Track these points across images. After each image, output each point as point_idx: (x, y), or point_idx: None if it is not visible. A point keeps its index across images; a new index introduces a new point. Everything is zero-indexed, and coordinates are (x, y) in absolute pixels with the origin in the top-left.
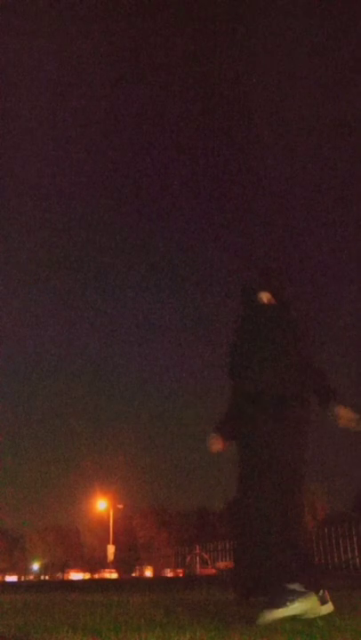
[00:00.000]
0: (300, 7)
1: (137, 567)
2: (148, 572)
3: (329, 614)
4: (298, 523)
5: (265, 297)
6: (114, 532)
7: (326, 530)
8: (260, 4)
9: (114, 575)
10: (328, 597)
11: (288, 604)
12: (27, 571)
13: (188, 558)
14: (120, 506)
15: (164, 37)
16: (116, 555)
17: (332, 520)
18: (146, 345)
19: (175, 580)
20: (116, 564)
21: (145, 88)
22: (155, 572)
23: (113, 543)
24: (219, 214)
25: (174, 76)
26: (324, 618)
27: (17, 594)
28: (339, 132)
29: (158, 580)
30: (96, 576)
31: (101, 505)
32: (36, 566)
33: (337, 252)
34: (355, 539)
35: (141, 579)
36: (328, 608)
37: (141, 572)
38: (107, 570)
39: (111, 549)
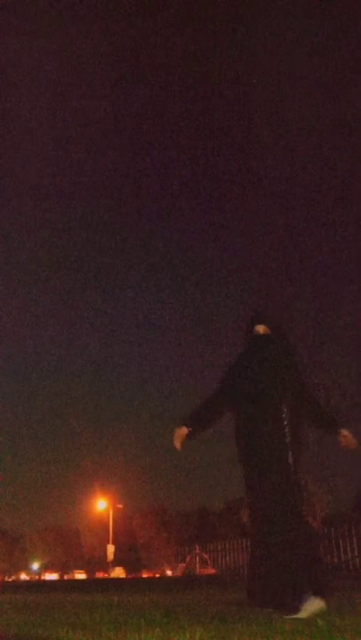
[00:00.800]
0: (300, 7)
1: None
2: (121, 574)
3: (329, 614)
4: (299, 523)
5: (261, 328)
6: (114, 532)
7: (326, 530)
8: (260, 4)
9: (82, 576)
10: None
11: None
12: (27, 571)
13: (188, 558)
14: (120, 506)
15: (164, 37)
16: (116, 555)
17: (332, 520)
18: (146, 345)
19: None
20: (84, 566)
21: (145, 88)
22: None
23: (113, 543)
24: (219, 214)
25: (174, 76)
26: (324, 618)
27: (17, 594)
28: (339, 132)
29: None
30: (65, 577)
31: (101, 505)
32: (36, 566)
33: (337, 252)
34: (355, 539)
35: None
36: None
37: (111, 573)
38: (76, 571)
39: (111, 549)
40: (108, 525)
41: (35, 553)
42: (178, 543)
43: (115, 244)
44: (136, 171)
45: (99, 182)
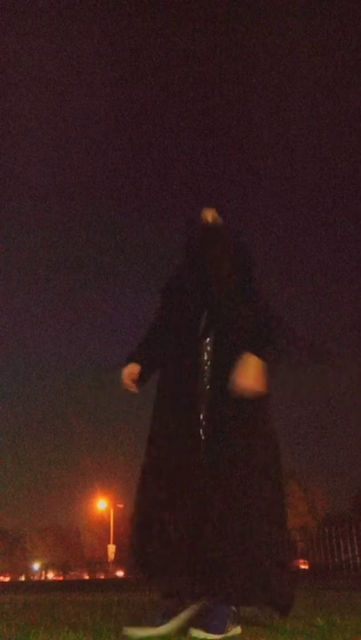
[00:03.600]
0: (301, 7)
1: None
2: (50, 575)
3: (329, 614)
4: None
5: (209, 214)
6: (114, 532)
7: (326, 530)
8: (260, 4)
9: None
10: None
11: (229, 629)
12: (27, 571)
13: None
14: (120, 505)
15: (164, 37)
16: (116, 554)
17: (332, 520)
18: None
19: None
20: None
21: (145, 88)
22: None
23: (114, 543)
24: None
25: (174, 76)
26: (324, 617)
27: (17, 594)
28: (339, 131)
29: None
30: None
31: (102, 505)
32: (36, 566)
33: (337, 253)
34: (355, 539)
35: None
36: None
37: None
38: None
39: (112, 549)
40: (109, 525)
41: (35, 553)
42: None
43: (115, 243)
44: (136, 170)
45: (99, 182)
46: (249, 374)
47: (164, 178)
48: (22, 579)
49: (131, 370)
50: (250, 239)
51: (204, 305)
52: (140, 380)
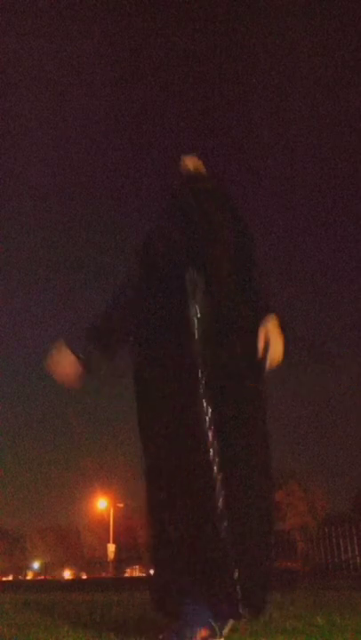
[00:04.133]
0: (301, 7)
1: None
2: (67, 574)
3: (329, 614)
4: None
5: (190, 162)
6: (114, 532)
7: (326, 530)
8: (260, 4)
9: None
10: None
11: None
12: (21, 570)
13: None
14: (120, 505)
15: (164, 37)
16: (116, 554)
17: (332, 520)
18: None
19: None
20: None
21: (145, 88)
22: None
23: (113, 542)
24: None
25: (174, 76)
26: (324, 617)
27: (17, 593)
28: (338, 131)
29: None
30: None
31: (102, 504)
32: (36, 566)
33: (337, 253)
34: (355, 539)
35: None
36: None
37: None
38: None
39: (111, 548)
40: (109, 525)
41: (35, 553)
42: None
43: (115, 243)
44: (136, 171)
45: (99, 182)
46: (278, 346)
47: (164, 178)
48: (10, 578)
49: (65, 358)
50: (234, 194)
51: (201, 292)
52: (88, 371)
